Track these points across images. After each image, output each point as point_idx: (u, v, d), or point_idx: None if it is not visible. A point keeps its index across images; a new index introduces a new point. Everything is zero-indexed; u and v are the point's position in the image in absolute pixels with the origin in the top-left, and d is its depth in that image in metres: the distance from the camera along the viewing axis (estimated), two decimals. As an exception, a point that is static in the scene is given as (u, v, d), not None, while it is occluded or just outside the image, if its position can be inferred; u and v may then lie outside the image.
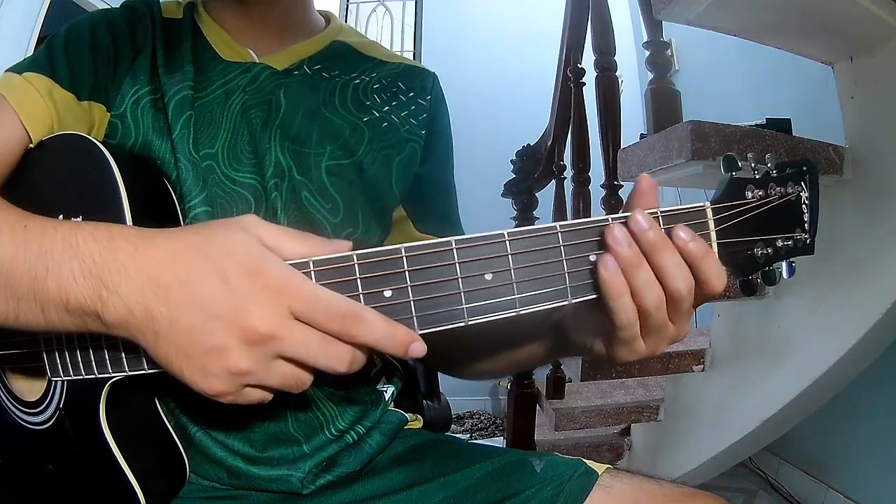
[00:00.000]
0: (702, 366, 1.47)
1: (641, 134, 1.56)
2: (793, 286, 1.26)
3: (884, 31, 1.02)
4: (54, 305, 0.37)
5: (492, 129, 2.95)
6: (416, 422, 0.70)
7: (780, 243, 0.43)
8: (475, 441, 2.85)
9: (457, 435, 1.11)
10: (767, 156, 0.44)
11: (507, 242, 0.38)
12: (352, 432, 0.60)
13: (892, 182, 1.06)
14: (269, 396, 0.38)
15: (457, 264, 0.38)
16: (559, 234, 0.39)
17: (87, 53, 0.56)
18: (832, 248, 1.16)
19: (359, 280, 0.37)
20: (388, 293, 0.37)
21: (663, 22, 1.36)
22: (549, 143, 1.81)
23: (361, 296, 0.37)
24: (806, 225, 0.44)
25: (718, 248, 0.42)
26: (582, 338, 0.47)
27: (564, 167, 1.83)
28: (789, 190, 0.43)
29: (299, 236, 0.38)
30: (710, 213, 0.42)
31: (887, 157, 1.07)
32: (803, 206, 0.44)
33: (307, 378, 0.37)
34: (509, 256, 0.38)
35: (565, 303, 0.39)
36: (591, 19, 1.56)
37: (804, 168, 0.44)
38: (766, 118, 1.28)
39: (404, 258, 0.37)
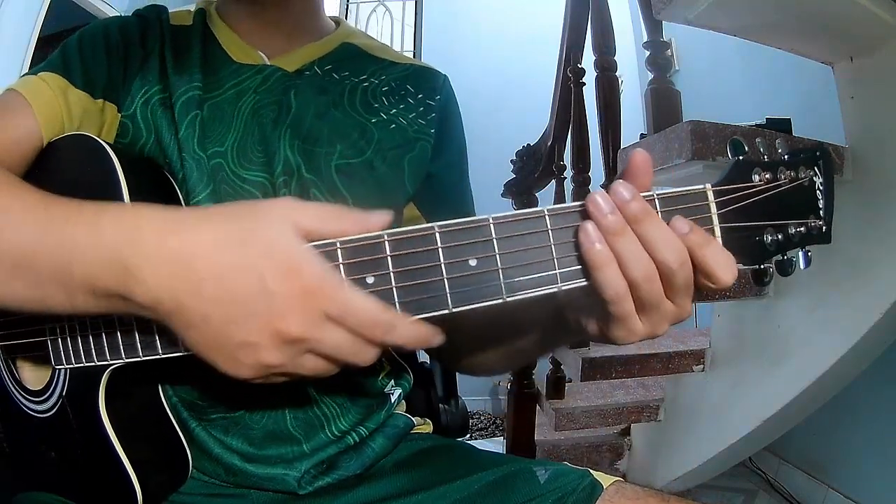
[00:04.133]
0: (702, 366, 1.47)
1: (641, 134, 1.56)
2: (793, 286, 1.26)
3: (884, 31, 1.02)
4: (81, 291, 0.37)
5: (492, 129, 2.95)
6: (424, 426, 0.70)
7: (792, 230, 0.40)
8: (475, 441, 2.85)
9: (457, 435, 1.11)
10: (777, 141, 0.41)
11: (492, 226, 0.37)
12: (353, 433, 0.60)
13: (892, 182, 1.06)
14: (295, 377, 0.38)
15: (439, 249, 0.37)
16: (547, 217, 0.38)
17: (100, 53, 0.58)
18: (832, 248, 1.15)
19: (342, 266, 0.36)
20: (370, 279, 0.37)
21: (663, 22, 1.36)
22: (549, 143, 1.81)
23: (344, 283, 0.36)
24: (821, 211, 0.41)
25: (723, 233, 0.39)
26: (577, 317, 0.45)
27: (564, 167, 1.84)
28: (801, 175, 0.40)
29: (335, 214, 0.37)
30: (711, 195, 0.39)
31: (887, 157, 1.07)
32: (817, 191, 0.41)
33: (335, 367, 0.38)
34: (494, 241, 0.37)
35: (555, 289, 0.38)
36: (591, 19, 1.57)
37: (817, 153, 0.41)
38: (766, 118, 1.29)
39: (386, 243, 0.36)
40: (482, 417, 3.22)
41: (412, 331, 0.36)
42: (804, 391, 1.21)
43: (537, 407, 1.75)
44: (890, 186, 1.06)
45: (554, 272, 0.37)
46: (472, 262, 0.37)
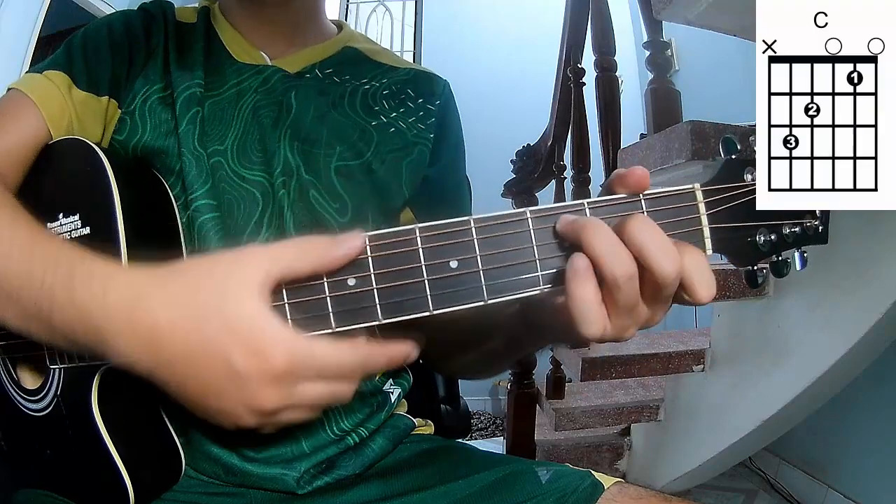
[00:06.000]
0: (702, 366, 1.47)
1: (641, 134, 1.56)
2: (793, 285, 1.26)
3: (884, 31, 1.02)
4: (61, 337, 0.39)
5: (492, 129, 2.95)
6: (425, 427, 0.70)
7: (786, 230, 0.39)
8: (475, 441, 2.85)
9: (457, 435, 1.11)
10: None
11: (474, 228, 0.37)
12: (354, 434, 0.60)
13: (892, 182, 1.06)
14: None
15: (420, 250, 0.37)
16: (529, 219, 0.37)
17: (104, 50, 0.58)
18: (832, 248, 1.15)
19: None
20: (351, 281, 0.37)
21: (663, 22, 1.36)
22: (549, 143, 1.81)
23: (326, 284, 0.37)
24: (817, 212, 0.40)
25: (712, 234, 0.39)
26: (540, 318, 0.43)
27: (564, 167, 1.84)
28: None
29: (305, 248, 0.36)
30: (699, 195, 0.38)
31: (887, 157, 1.07)
32: None
33: (319, 411, 0.39)
34: (475, 243, 0.37)
35: (537, 291, 0.37)
36: (591, 19, 1.57)
37: None
38: (766, 118, 1.28)
39: (367, 245, 0.37)
40: (482, 417, 3.23)
41: (386, 356, 0.37)
42: (804, 391, 1.21)
43: (537, 407, 1.75)
44: (890, 186, 1.06)
45: (536, 274, 0.37)
46: (453, 264, 0.37)
